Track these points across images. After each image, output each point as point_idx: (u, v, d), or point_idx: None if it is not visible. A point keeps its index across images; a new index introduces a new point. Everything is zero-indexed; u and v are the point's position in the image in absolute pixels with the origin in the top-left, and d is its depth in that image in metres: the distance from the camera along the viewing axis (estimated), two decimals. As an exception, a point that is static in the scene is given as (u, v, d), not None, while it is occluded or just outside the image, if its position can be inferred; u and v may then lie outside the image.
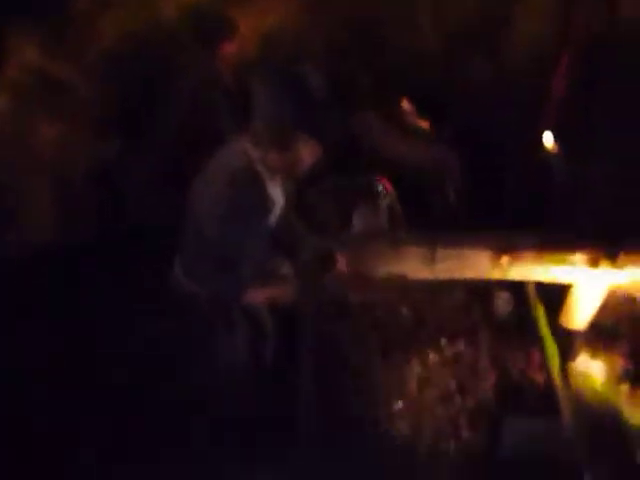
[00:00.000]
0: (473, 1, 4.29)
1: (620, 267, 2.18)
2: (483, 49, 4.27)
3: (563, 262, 2.20)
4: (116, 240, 3.33)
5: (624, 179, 3.81)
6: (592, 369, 2.47)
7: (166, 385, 2.71)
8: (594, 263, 2.17)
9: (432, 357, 2.38)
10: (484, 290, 2.51)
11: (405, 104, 4.36)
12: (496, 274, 2.28)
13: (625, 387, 2.46)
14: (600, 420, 2.26)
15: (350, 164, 3.28)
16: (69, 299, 3.11)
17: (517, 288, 2.50)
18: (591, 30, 3.66)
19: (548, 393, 2.26)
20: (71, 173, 3.04)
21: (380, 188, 2.50)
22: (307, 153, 1.89)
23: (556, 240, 2.22)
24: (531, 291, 2.49)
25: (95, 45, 2.79)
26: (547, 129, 4.00)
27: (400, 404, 2.23)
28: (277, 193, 2.07)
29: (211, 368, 2.39)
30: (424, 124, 4.20)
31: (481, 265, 2.25)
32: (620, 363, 2.47)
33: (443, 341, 2.43)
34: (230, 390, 2.42)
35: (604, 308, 2.47)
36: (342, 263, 2.21)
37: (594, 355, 2.49)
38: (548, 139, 4.03)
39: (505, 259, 2.21)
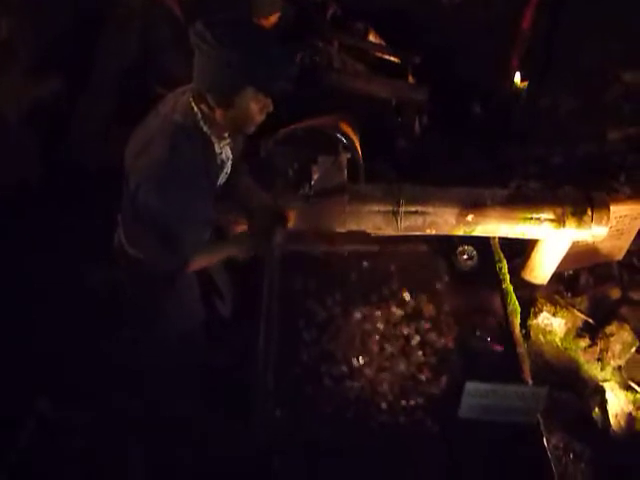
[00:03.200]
0: None
1: (586, 225, 2.12)
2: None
3: (530, 219, 2.13)
4: (59, 183, 3.11)
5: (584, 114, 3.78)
6: (552, 324, 2.48)
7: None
8: (560, 222, 2.10)
9: (394, 311, 2.33)
10: (447, 243, 2.44)
11: (372, 36, 4.13)
12: (461, 231, 2.20)
13: (584, 341, 2.49)
14: (559, 375, 2.29)
15: (309, 102, 3.09)
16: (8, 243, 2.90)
17: (481, 241, 2.44)
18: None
19: (510, 349, 2.24)
20: (4, 112, 2.77)
21: (341, 137, 2.35)
22: (256, 108, 1.73)
23: (523, 196, 2.14)
24: (495, 245, 2.43)
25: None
26: (514, 63, 3.88)
27: (361, 360, 2.19)
28: (226, 151, 1.90)
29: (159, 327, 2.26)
30: (392, 57, 4.00)
31: (446, 222, 2.16)
32: (579, 317, 2.49)
33: (405, 295, 2.37)
34: (182, 348, 2.32)
35: (565, 258, 2.45)
36: (294, 220, 2.09)
37: (554, 310, 2.49)
38: (517, 77, 3.92)
39: (471, 216, 2.13)
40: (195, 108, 1.75)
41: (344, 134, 2.49)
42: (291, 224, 2.11)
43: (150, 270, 1.98)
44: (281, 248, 2.17)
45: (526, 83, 3.93)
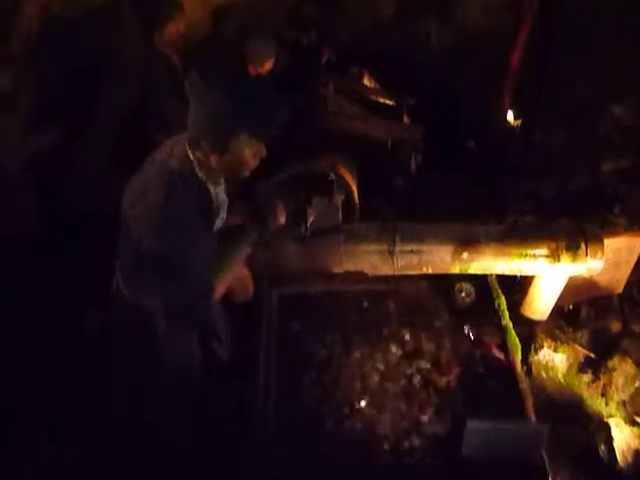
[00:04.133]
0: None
1: (581, 259, 2.14)
2: (439, 16, 4.17)
3: (525, 256, 2.14)
4: (57, 229, 3.14)
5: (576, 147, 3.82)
6: (554, 359, 2.47)
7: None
8: (555, 256, 2.12)
9: (394, 351, 2.32)
10: (445, 281, 2.44)
11: (366, 79, 4.23)
12: (457, 269, 2.21)
13: (587, 376, 2.47)
14: (563, 411, 2.26)
15: (305, 145, 3.14)
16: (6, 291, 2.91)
17: (479, 278, 2.44)
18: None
19: (512, 385, 2.22)
20: (4, 164, 2.82)
21: (336, 178, 2.39)
22: (250, 154, 1.76)
23: (517, 232, 2.16)
24: (493, 281, 2.44)
25: (20, 31, 2.54)
26: (506, 99, 3.96)
27: (362, 400, 2.17)
28: (222, 196, 1.93)
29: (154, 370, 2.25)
30: (386, 99, 4.09)
31: (442, 260, 2.17)
32: (581, 352, 2.48)
33: (405, 334, 2.36)
34: (181, 392, 2.30)
35: (564, 292, 2.45)
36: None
37: (555, 345, 2.48)
38: (510, 114, 3.99)
39: (466, 254, 2.14)
40: (191, 155, 1.79)
41: (339, 175, 2.53)
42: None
43: (151, 314, 1.99)
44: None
45: (519, 120, 4.00)
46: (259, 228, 2.07)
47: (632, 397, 2.54)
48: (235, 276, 2.11)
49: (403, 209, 3.42)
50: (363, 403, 2.16)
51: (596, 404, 2.45)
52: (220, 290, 2.00)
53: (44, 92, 2.88)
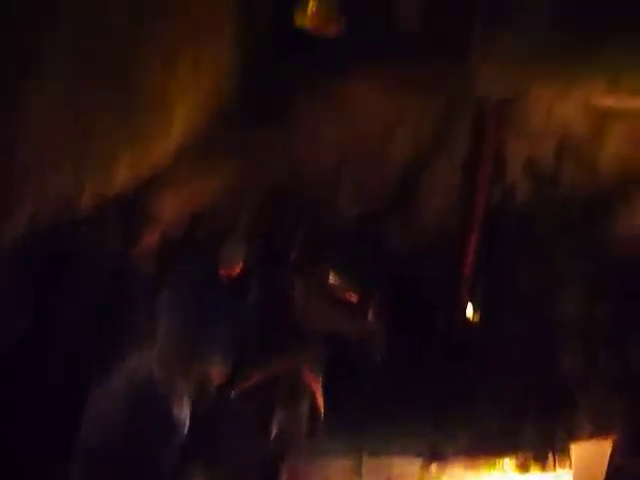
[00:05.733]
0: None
1: (550, 469, 2.10)
2: (396, 221, 4.48)
3: (494, 467, 2.11)
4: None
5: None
6: None
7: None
8: (524, 468, 2.08)
9: None
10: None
11: (332, 276, 4.41)
12: (427, 483, 2.15)
13: None
14: None
15: (273, 343, 3.17)
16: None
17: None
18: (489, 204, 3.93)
19: None
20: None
21: (302, 384, 2.39)
22: (215, 372, 1.80)
23: (486, 445, 2.14)
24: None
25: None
26: (463, 297, 4.13)
27: None
28: (184, 411, 1.92)
29: None
30: (353, 294, 4.22)
31: (410, 475, 2.11)
32: None
33: None
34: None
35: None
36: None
37: None
38: (469, 310, 4.14)
39: (435, 467, 2.10)
40: (155, 370, 1.81)
41: (305, 381, 2.53)
42: None
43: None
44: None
45: (478, 313, 4.14)
46: None
47: None
48: None
49: (371, 404, 3.37)
50: None
51: None
52: None
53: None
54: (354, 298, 4.11)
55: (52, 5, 1.84)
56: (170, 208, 3.64)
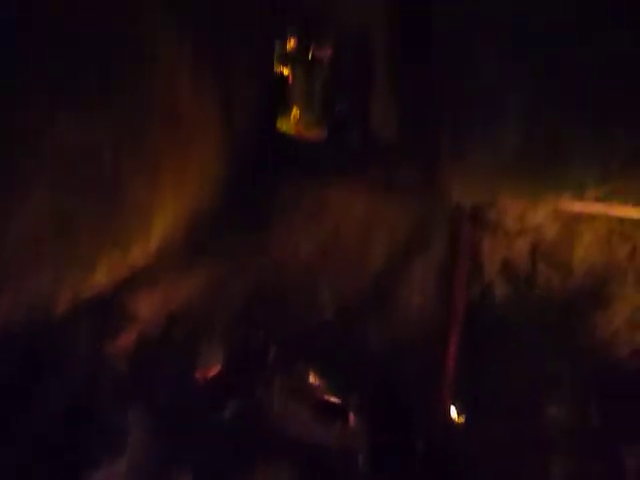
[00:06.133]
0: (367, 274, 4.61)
1: None
2: (376, 321, 4.49)
3: None
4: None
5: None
6: None
7: None
8: None
9: None
10: None
11: (312, 377, 4.35)
12: None
13: None
14: None
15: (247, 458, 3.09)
16: None
17: None
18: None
19: None
20: None
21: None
22: None
23: None
24: None
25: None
26: (447, 396, 4.08)
27: None
28: None
29: None
30: (332, 397, 4.16)
31: None
32: None
33: None
34: None
35: None
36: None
37: None
38: (453, 411, 4.07)
39: None
40: None
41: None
42: None
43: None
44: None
45: (462, 417, 4.07)
46: None
47: None
48: None
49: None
50: None
51: None
52: None
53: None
54: (334, 400, 4.05)
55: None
56: (147, 307, 3.65)
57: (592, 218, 3.58)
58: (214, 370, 3.42)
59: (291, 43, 6.38)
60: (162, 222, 2.86)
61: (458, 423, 4.12)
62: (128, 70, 2.42)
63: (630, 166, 3.11)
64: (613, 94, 2.93)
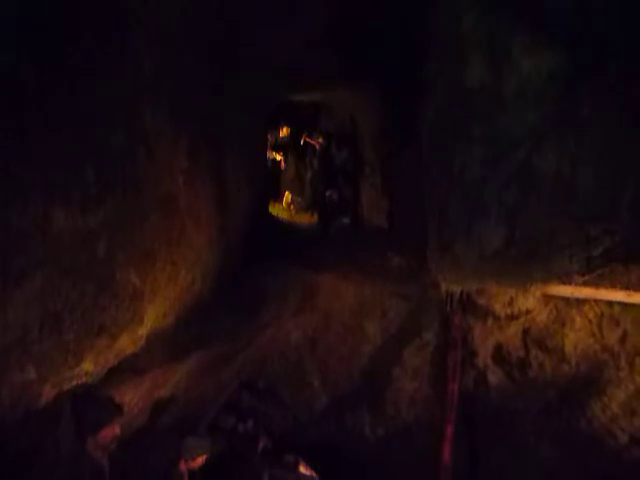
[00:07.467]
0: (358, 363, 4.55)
1: None
2: (369, 408, 4.39)
3: None
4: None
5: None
6: None
7: None
8: None
9: None
10: None
11: (302, 468, 4.21)
12: None
13: None
14: None
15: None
16: None
17: None
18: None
19: None
20: None
21: None
22: None
23: None
24: None
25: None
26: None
27: None
28: None
29: None
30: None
31: None
32: None
33: None
34: None
35: None
36: None
37: None
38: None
39: None
40: None
41: None
42: None
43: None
44: None
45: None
46: None
47: None
48: None
49: None
50: None
51: None
52: None
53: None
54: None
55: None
56: (133, 395, 3.56)
57: (581, 302, 3.60)
58: (200, 461, 3.30)
59: (284, 131, 6.68)
60: (154, 310, 2.84)
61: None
62: (124, 164, 2.48)
63: (613, 253, 3.17)
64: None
